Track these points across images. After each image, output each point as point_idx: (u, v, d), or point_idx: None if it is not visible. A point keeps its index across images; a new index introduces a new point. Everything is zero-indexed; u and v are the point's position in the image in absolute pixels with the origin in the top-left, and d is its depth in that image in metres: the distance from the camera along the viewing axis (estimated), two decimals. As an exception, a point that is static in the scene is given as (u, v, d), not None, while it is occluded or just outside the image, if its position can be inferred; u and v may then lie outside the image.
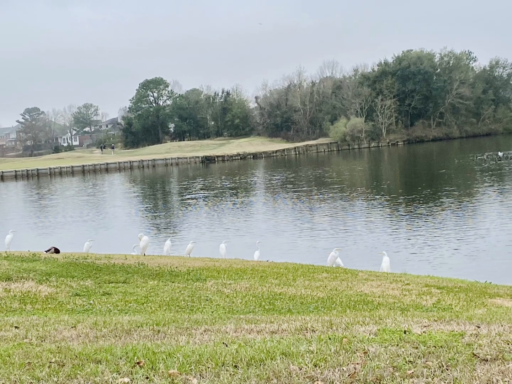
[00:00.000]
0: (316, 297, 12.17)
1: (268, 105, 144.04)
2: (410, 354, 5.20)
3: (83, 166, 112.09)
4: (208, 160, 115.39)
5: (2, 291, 11.91)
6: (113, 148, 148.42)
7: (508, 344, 5.44)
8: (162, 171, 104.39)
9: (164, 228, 38.46)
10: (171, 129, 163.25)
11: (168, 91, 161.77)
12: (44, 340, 6.57)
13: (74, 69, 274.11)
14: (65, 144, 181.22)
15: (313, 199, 47.51)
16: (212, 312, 10.10)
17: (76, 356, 5.46)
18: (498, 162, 67.34)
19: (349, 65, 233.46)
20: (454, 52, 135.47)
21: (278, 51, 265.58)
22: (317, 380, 4.60)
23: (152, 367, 5.03)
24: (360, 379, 4.57)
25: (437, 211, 36.56)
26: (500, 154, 72.76)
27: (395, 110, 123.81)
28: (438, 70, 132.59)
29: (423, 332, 6.17)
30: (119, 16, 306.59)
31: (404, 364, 4.90)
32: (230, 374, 4.79)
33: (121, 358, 5.33)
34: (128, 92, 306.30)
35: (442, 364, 4.87)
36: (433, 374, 4.63)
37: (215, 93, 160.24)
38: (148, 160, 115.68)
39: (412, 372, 4.68)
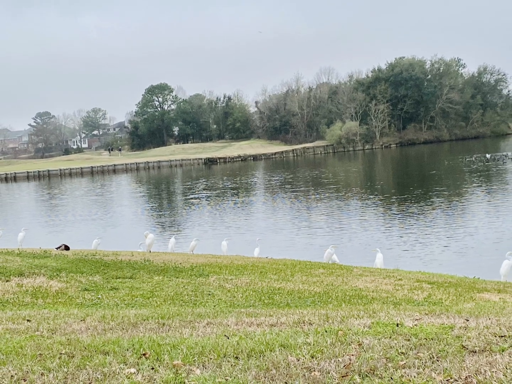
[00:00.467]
0: (313, 292, 12.16)
1: (267, 109, 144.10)
2: (402, 346, 5.20)
3: (92, 167, 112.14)
4: (210, 162, 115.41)
5: (15, 286, 11.91)
6: (120, 150, 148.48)
7: (496, 336, 5.44)
8: (166, 172, 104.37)
9: (169, 226, 38.44)
10: (175, 132, 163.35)
11: (173, 96, 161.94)
12: (55, 332, 6.57)
13: (83, 75, 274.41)
14: (75, 147, 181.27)
15: (310, 199, 47.50)
16: (214, 306, 10.09)
17: (85, 348, 5.46)
18: (486, 163, 67.35)
19: (345, 71, 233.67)
20: (444, 59, 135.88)
21: (277, 58, 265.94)
22: (314, 370, 4.60)
23: (157, 358, 5.02)
24: (355, 370, 4.56)
25: (428, 210, 36.55)
26: (487, 156, 72.82)
27: (388, 114, 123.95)
28: (429, 76, 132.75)
29: (415, 325, 6.16)
30: (126, 25, 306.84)
31: (396, 356, 4.90)
32: (231, 365, 4.79)
33: (128, 350, 5.33)
34: (134, 97, 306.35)
35: (432, 355, 4.87)
36: (424, 365, 4.63)
37: (217, 98, 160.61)
38: (153, 162, 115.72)
39: (404, 363, 4.68)
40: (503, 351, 4.89)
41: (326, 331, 5.89)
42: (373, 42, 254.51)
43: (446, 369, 4.50)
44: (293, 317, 7.04)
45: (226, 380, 4.39)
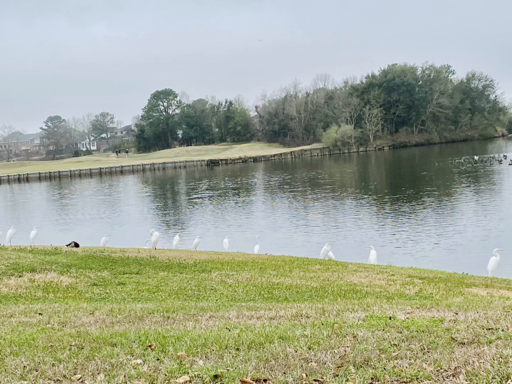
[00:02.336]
0: (310, 287, 12.17)
1: (267, 113, 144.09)
2: (395, 338, 5.19)
3: (100, 168, 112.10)
4: (212, 163, 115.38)
5: (27, 281, 11.91)
6: (127, 152, 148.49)
7: (483, 329, 5.44)
8: (171, 173, 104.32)
9: (173, 225, 38.44)
10: (180, 135, 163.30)
11: (177, 101, 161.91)
12: (65, 325, 6.57)
13: (92, 81, 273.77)
14: (84, 149, 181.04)
15: (307, 198, 47.49)
16: (217, 300, 10.09)
17: (94, 340, 5.46)
18: (474, 165, 67.35)
19: (340, 77, 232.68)
20: (434, 65, 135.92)
21: (276, 65, 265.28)
22: (311, 361, 4.60)
23: (163, 349, 5.02)
24: (349, 361, 4.56)
25: (419, 209, 36.56)
26: (476, 158, 72.86)
27: (381, 118, 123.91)
28: (420, 82, 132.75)
29: (407, 318, 6.16)
30: (132, 33, 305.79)
31: (389, 347, 4.89)
32: (232, 356, 4.79)
33: (134, 342, 5.32)
34: (140, 102, 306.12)
35: (423, 347, 4.87)
36: (416, 356, 4.63)
37: (219, 103, 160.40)
38: (158, 163, 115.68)
39: (397, 354, 4.68)
40: (490, 343, 4.89)
41: (322, 324, 5.88)
42: (367, 50, 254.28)
43: (436, 360, 4.50)
44: (291, 311, 7.04)
45: (228, 370, 4.39)
